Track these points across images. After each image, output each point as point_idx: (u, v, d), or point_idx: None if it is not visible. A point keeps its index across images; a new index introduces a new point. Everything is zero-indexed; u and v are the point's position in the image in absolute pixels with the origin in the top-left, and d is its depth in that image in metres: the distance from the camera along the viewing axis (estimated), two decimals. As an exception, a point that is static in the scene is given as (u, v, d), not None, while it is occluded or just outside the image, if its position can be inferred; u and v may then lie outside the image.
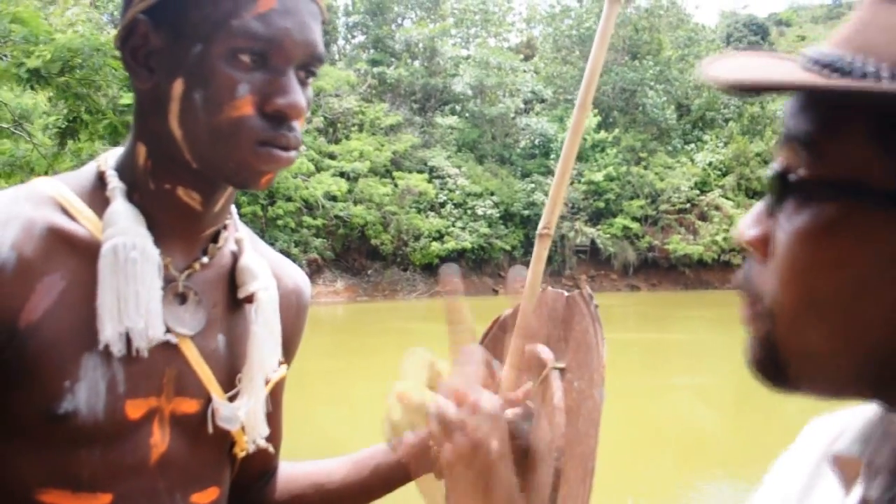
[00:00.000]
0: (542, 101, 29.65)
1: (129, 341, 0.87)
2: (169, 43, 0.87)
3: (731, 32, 39.74)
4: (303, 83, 0.90)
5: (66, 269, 0.87)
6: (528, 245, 25.84)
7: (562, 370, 1.10)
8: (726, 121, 30.08)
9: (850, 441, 0.55)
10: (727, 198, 27.93)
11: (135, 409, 0.89)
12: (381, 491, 1.14)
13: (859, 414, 0.56)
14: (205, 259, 0.96)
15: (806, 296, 0.46)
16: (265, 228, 22.34)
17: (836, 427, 0.59)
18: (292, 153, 0.89)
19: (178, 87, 0.86)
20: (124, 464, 0.89)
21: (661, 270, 27.32)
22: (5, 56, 5.71)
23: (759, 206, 0.50)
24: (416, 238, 24.42)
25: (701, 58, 31.66)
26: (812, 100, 0.47)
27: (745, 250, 0.51)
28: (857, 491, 0.53)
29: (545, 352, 1.14)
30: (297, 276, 1.12)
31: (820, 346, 0.46)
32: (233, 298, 0.99)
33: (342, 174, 24.27)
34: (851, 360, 0.46)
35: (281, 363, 1.05)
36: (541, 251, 1.17)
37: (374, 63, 29.46)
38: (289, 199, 22.56)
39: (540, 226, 1.18)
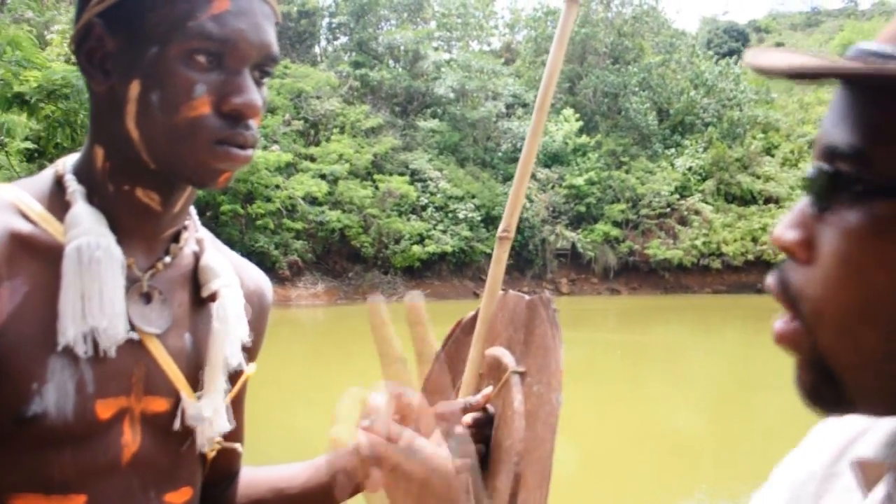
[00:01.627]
0: (524, 105, 29.72)
1: (95, 342, 0.87)
2: (124, 45, 0.88)
3: (712, 39, 40.09)
4: (258, 83, 0.91)
5: (28, 273, 0.87)
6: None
7: (522, 374, 1.09)
8: (706, 125, 30.30)
9: (875, 445, 0.54)
10: (707, 202, 28.14)
11: (105, 409, 0.90)
12: (340, 496, 1.15)
13: (883, 419, 0.55)
14: (167, 259, 0.97)
15: (860, 297, 0.44)
16: (245, 230, 22.21)
17: (851, 429, 0.58)
18: (249, 151, 0.90)
19: (134, 88, 0.87)
20: (96, 464, 0.89)
21: (641, 274, 27.47)
22: None
23: (797, 208, 0.48)
24: (397, 241, 24.40)
25: (681, 63, 31.97)
26: (861, 96, 0.45)
27: (785, 255, 0.49)
28: (879, 493, 0.52)
29: (506, 356, 1.13)
30: (258, 277, 1.13)
31: (877, 348, 0.44)
32: (197, 297, 1.00)
33: (322, 176, 24.19)
34: None
35: (247, 362, 1.05)
36: (500, 254, 1.18)
37: (356, 65, 29.41)
38: (268, 200, 22.44)
39: (500, 229, 1.19)
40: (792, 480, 0.63)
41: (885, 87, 0.43)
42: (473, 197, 26.05)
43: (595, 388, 11.32)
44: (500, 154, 28.71)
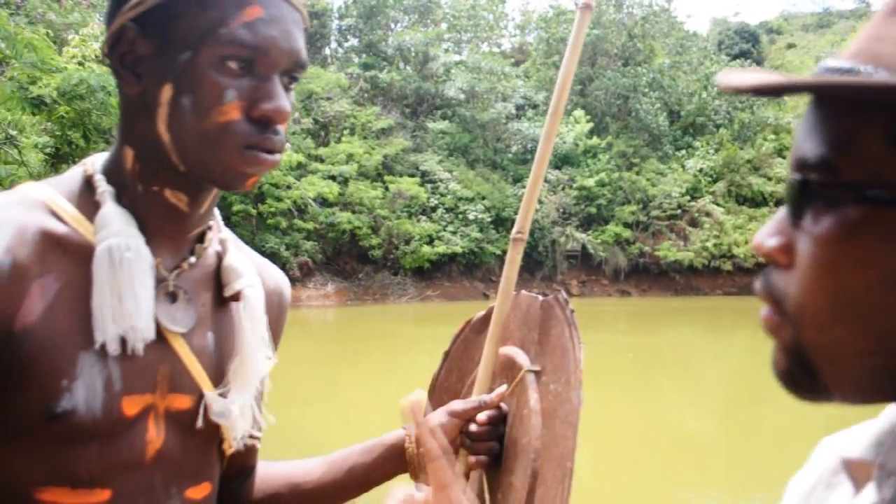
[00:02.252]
0: (534, 106, 29.71)
1: (123, 340, 0.89)
2: (157, 50, 0.89)
3: (723, 40, 39.96)
4: (286, 88, 0.93)
5: (59, 271, 0.89)
6: (519, 250, 25.91)
7: (537, 373, 1.11)
8: (717, 127, 30.20)
9: (863, 446, 0.56)
10: (717, 204, 28.04)
11: (131, 406, 0.91)
12: (356, 491, 1.16)
13: (871, 423, 0.57)
14: (192, 259, 0.99)
15: (834, 296, 0.47)
16: (256, 230, 22.28)
17: (847, 440, 0.60)
18: (277, 156, 0.92)
19: (166, 92, 0.89)
20: (121, 460, 0.91)
21: (651, 276, 27.40)
22: (11, 76, 5.86)
23: (777, 216, 0.52)
24: (407, 242, 24.42)
25: (692, 65, 31.86)
26: (826, 109, 0.48)
27: (766, 260, 0.52)
28: (868, 493, 0.53)
29: (519, 355, 1.14)
30: (278, 277, 1.15)
31: (851, 345, 0.47)
32: (219, 297, 1.02)
33: (332, 177, 24.25)
34: (884, 358, 0.47)
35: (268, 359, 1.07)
36: (514, 255, 1.21)
37: (366, 67, 29.47)
38: (279, 200, 22.50)
39: (514, 231, 1.21)
40: (799, 493, 0.65)
41: (846, 100, 0.47)
42: (483, 198, 26.05)
43: (605, 389, 11.30)
44: (510, 155, 28.71)
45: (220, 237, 1.04)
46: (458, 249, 24.45)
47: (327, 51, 32.53)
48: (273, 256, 21.83)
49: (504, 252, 24.29)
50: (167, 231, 0.97)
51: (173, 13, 0.88)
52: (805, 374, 0.50)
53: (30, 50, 5.60)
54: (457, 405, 1.14)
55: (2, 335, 0.85)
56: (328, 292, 23.46)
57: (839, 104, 0.47)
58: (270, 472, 1.19)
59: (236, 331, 1.01)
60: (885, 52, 0.46)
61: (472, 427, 1.12)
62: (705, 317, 21.68)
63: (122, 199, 0.94)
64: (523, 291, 1.22)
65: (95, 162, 0.98)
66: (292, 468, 1.19)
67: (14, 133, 6.95)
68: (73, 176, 0.96)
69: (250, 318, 1.02)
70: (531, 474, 1.03)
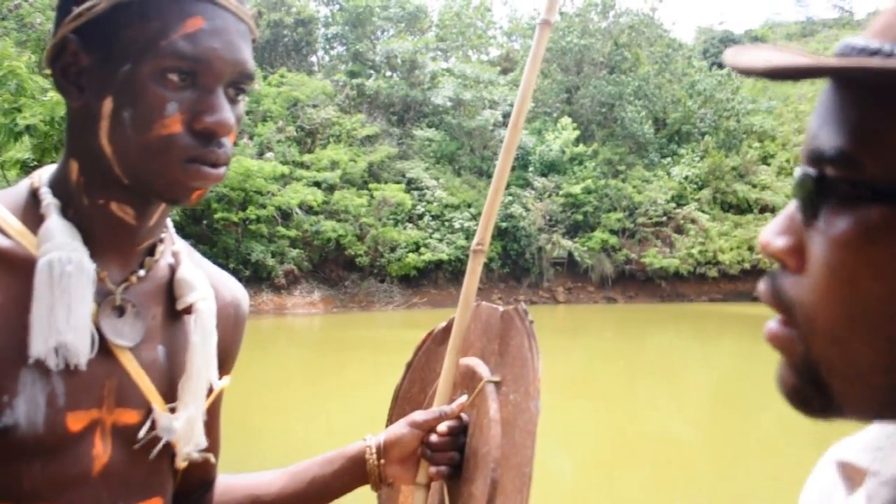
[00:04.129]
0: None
1: (60, 355, 0.87)
2: (98, 62, 0.88)
3: (707, 48, 40.23)
4: (233, 101, 0.92)
5: (1, 286, 0.87)
6: (505, 258, 25.91)
7: (497, 383, 1.11)
8: (702, 135, 30.37)
9: (859, 450, 0.54)
10: (703, 211, 28.19)
11: (76, 422, 0.90)
12: (317, 503, 1.16)
13: (871, 427, 0.55)
14: (141, 272, 0.98)
15: (852, 306, 0.42)
16: (241, 238, 22.18)
17: (846, 444, 0.59)
18: (221, 169, 0.91)
19: (107, 105, 0.88)
20: (66, 476, 0.90)
21: (637, 283, 27.49)
22: None
23: (785, 213, 0.47)
24: (393, 249, 24.39)
25: (677, 73, 32.00)
26: (849, 94, 0.43)
27: (772, 261, 0.48)
28: (859, 497, 0.52)
29: (480, 366, 1.15)
30: (235, 288, 1.13)
31: (868, 361, 0.43)
32: (172, 310, 1.00)
33: (317, 184, 24.20)
34: None
35: (221, 376, 1.05)
36: (475, 266, 1.21)
37: (352, 75, 29.47)
38: (263, 207, 22.42)
39: (473, 242, 1.22)
40: (808, 499, 0.63)
41: (872, 85, 0.41)
42: (469, 206, 26.07)
43: (591, 396, 11.31)
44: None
45: (173, 249, 1.03)
46: (445, 257, 24.44)
47: (313, 59, 32.51)
48: (258, 265, 21.76)
49: (490, 259, 24.04)
50: (115, 244, 0.95)
51: (115, 25, 0.87)
52: (816, 392, 0.46)
53: (12, 77, 5.62)
54: (417, 416, 1.15)
55: None
56: (314, 300, 23.38)
57: (864, 89, 0.42)
58: (231, 485, 1.18)
59: (188, 345, 0.99)
60: None
61: (433, 437, 1.12)
62: (691, 323, 21.77)
63: (67, 211, 0.93)
64: (484, 302, 1.22)
65: (43, 175, 0.96)
66: (253, 480, 1.18)
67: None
68: (19, 189, 0.95)
69: (201, 332, 0.99)
70: (491, 483, 1.04)
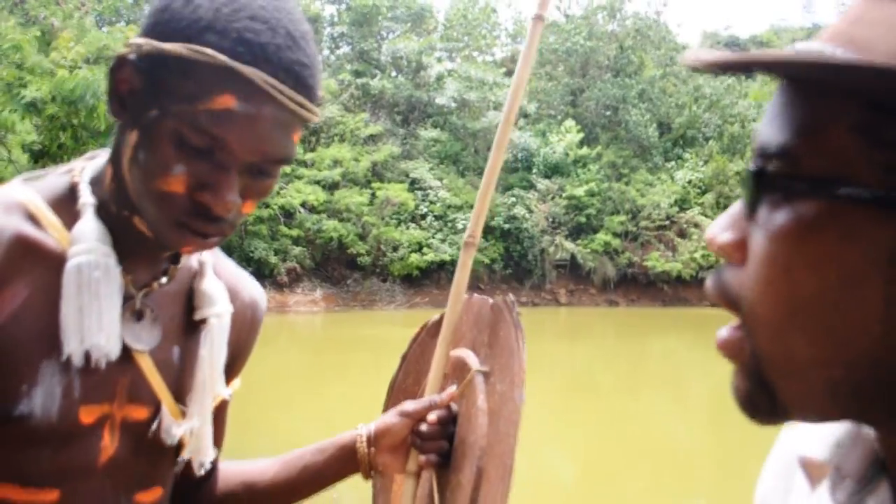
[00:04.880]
0: (525, 115, 29.77)
1: (88, 354, 0.90)
2: (140, 93, 0.88)
3: (713, 52, 40.13)
4: (258, 174, 0.90)
5: (31, 277, 0.89)
6: (507, 259, 25.90)
7: (485, 374, 1.14)
8: (707, 139, 30.34)
9: (820, 444, 0.55)
10: (706, 215, 28.14)
11: (88, 415, 0.93)
12: (309, 490, 1.18)
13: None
14: (163, 280, 1.00)
15: (788, 298, 0.43)
16: (244, 236, 22.20)
17: (808, 430, 0.59)
18: (212, 240, 0.91)
19: (132, 137, 0.88)
20: (73, 464, 0.93)
21: (640, 286, 27.46)
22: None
23: (732, 209, 0.48)
24: (395, 249, 24.39)
25: (682, 77, 31.98)
26: (793, 92, 0.45)
27: (719, 257, 0.49)
28: (822, 492, 0.53)
29: (470, 357, 1.17)
30: (254, 290, 1.15)
31: (807, 355, 0.44)
32: (190, 315, 1.02)
33: (319, 182, 24.20)
34: (837, 368, 0.43)
35: (232, 374, 1.09)
36: (466, 259, 1.23)
37: (357, 74, 29.47)
38: (266, 206, 22.42)
39: (465, 235, 1.25)
40: (764, 490, 0.65)
41: (810, 83, 0.43)
42: (472, 207, 26.02)
43: (593, 399, 11.30)
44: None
45: (199, 258, 1.04)
46: (447, 257, 24.43)
47: (319, 57, 32.54)
48: (261, 262, 21.77)
49: (493, 260, 24.04)
50: (140, 251, 0.96)
51: (162, 68, 0.86)
52: (762, 394, 0.46)
53: (16, 52, 5.63)
54: (408, 405, 1.17)
55: None
56: (316, 298, 23.39)
57: (807, 88, 0.43)
58: (227, 471, 1.21)
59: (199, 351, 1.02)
60: (862, 34, 0.42)
61: (423, 427, 1.14)
62: (693, 328, 21.73)
63: (101, 212, 0.94)
64: (476, 294, 1.25)
65: (85, 169, 0.97)
66: (247, 467, 1.21)
67: (2, 133, 6.95)
68: (60, 181, 0.96)
69: (209, 346, 1.02)
70: (476, 472, 1.06)
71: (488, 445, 1.06)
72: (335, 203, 24.10)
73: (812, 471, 0.53)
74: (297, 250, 23.16)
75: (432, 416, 1.15)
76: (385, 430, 1.16)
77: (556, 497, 6.91)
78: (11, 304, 0.88)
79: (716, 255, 0.48)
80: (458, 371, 1.19)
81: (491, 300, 1.18)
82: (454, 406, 1.17)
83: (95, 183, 0.96)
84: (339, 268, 24.51)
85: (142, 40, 0.87)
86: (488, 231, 25.66)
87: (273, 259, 22.42)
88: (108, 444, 0.96)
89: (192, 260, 1.04)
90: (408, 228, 25.08)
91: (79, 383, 0.91)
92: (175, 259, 1.02)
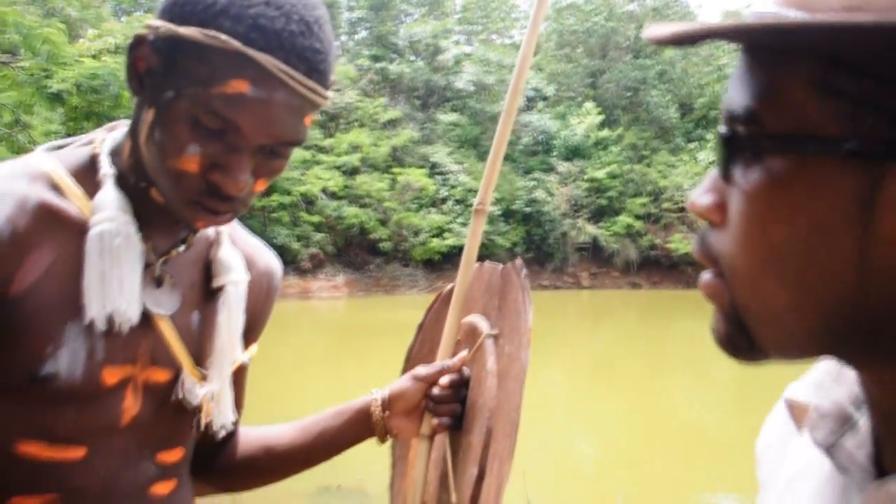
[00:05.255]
0: (545, 98, 29.63)
1: (111, 318, 0.93)
2: (157, 73, 0.91)
3: (735, 31, 39.70)
4: (271, 154, 0.93)
5: (54, 243, 0.93)
6: (528, 242, 25.85)
7: (495, 337, 1.16)
8: (729, 119, 30.06)
9: (804, 386, 0.58)
10: (729, 196, 27.95)
11: (111, 376, 0.97)
12: (326, 454, 1.22)
13: (817, 365, 0.58)
14: (182, 248, 1.03)
15: (762, 250, 0.46)
16: (267, 222, 22.33)
17: (795, 383, 0.62)
18: (224, 216, 0.95)
19: (149, 115, 0.92)
20: (98, 423, 0.97)
21: (662, 269, 27.32)
22: (23, 67, 5.99)
23: (710, 173, 0.51)
24: (416, 234, 24.43)
25: (703, 57, 31.67)
26: (752, 57, 0.47)
27: (702, 220, 0.51)
28: (806, 434, 0.55)
29: (481, 321, 1.20)
30: (269, 260, 1.19)
31: (781, 301, 0.46)
32: (208, 283, 1.06)
33: (339, 168, 24.25)
34: (813, 313, 0.46)
35: (250, 339, 1.14)
36: (476, 227, 1.26)
37: (375, 59, 29.44)
38: (287, 193, 22.52)
39: (475, 202, 1.27)
40: (766, 441, 0.69)
41: (768, 46, 0.45)
42: (494, 190, 26.02)
43: (616, 382, 11.30)
44: (520, 147, 28.67)
45: (216, 228, 1.07)
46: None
47: (336, 43, 32.50)
48: (283, 248, 21.90)
49: (514, 244, 24.02)
50: (158, 220, 1.00)
51: (178, 51, 0.88)
52: (741, 336, 0.49)
53: (44, 44, 5.70)
54: (420, 370, 1.19)
55: None
56: (338, 283, 23.51)
57: (765, 51, 0.45)
58: (247, 436, 1.25)
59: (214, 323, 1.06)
60: None
61: (436, 391, 1.17)
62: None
63: (121, 182, 0.97)
64: (487, 262, 1.27)
65: (105, 141, 1.01)
66: (267, 432, 1.25)
67: (25, 119, 7.03)
68: (80, 152, 1.00)
69: (227, 313, 1.05)
70: (486, 432, 1.08)
71: (497, 406, 1.08)
72: (356, 189, 24.16)
73: (797, 412, 0.56)
74: (318, 236, 23.27)
75: (444, 380, 1.17)
76: (399, 395, 1.19)
77: (580, 479, 6.93)
78: (37, 269, 0.91)
79: (699, 219, 0.51)
80: (470, 336, 1.21)
81: (501, 266, 1.20)
82: (466, 370, 1.19)
83: (115, 154, 0.99)
84: (361, 253, 24.60)
85: (159, 22, 0.89)
86: (509, 215, 25.64)
87: (295, 245, 22.55)
88: (131, 404, 1.00)
89: (209, 230, 1.07)
90: (428, 213, 25.09)
91: (102, 346, 0.95)
92: (193, 228, 1.04)
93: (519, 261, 1.17)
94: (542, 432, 8.47)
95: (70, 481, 0.97)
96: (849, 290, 0.44)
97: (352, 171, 24.60)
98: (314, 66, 0.89)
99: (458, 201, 25.85)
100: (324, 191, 23.51)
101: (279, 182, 22.38)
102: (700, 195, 0.51)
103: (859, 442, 0.51)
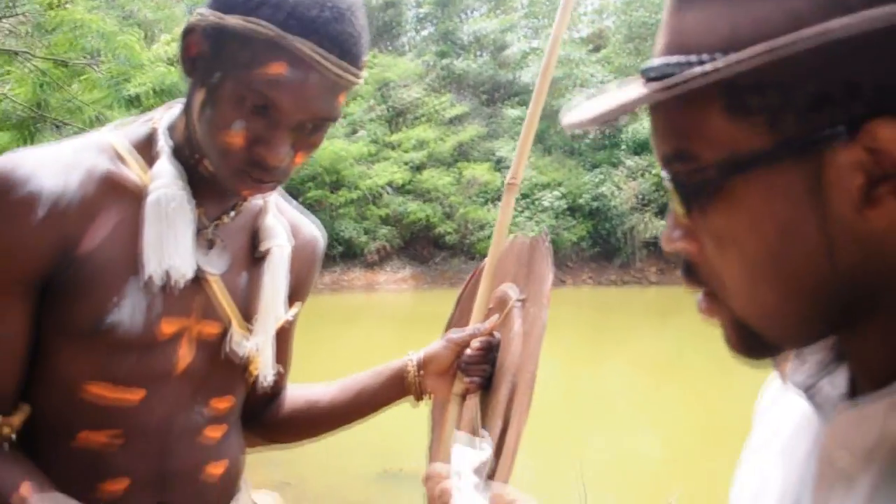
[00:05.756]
0: (612, 91, 29.17)
1: (167, 275, 1.05)
2: (207, 57, 1.02)
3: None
4: (310, 129, 1.03)
5: (117, 208, 1.05)
6: (595, 237, 25.60)
7: (522, 301, 1.24)
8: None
9: None
10: (803, 191, 27.12)
11: (168, 327, 1.08)
12: (364, 412, 1.32)
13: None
14: (232, 214, 1.15)
15: (742, 264, 0.50)
16: (334, 216, 22.65)
17: None
18: (269, 185, 1.06)
19: (200, 95, 1.03)
20: (155, 369, 1.09)
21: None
22: (97, 69, 6.28)
23: (670, 215, 0.56)
24: (481, 228, 24.44)
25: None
26: (664, 109, 0.52)
27: (679, 256, 0.57)
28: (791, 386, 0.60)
29: (512, 289, 1.28)
30: (313, 230, 1.30)
31: (776, 301, 0.51)
32: (255, 248, 1.17)
33: (405, 164, 24.40)
34: (803, 303, 0.50)
35: (294, 302, 1.24)
36: (508, 200, 1.36)
37: (441, 55, 29.51)
38: (355, 188, 22.78)
39: (507, 177, 1.35)
40: (764, 404, 0.76)
41: (674, 97, 0.48)
42: (559, 185, 25.85)
43: (682, 379, 11.13)
44: (586, 141, 28.37)
45: (263, 198, 1.19)
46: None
47: (403, 39, 32.71)
48: (351, 242, 22.20)
49: (580, 238, 23.69)
50: (210, 189, 1.11)
51: (225, 36, 0.98)
52: (752, 339, 0.54)
53: (120, 48, 5.96)
54: (453, 334, 1.29)
55: (69, 255, 1.01)
56: (404, 277, 23.71)
57: (674, 101, 0.49)
58: (293, 393, 1.37)
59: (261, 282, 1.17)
60: (690, 41, 0.49)
61: (467, 353, 1.25)
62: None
63: (177, 154, 1.09)
64: (520, 234, 1.36)
65: (163, 118, 1.13)
66: (311, 390, 1.37)
67: (105, 115, 7.35)
68: (141, 128, 1.13)
69: (272, 274, 1.16)
70: (511, 388, 1.16)
71: (521, 363, 1.16)
72: (421, 183, 24.29)
73: (780, 363, 0.61)
74: (384, 230, 23.50)
75: (475, 344, 1.25)
76: (432, 356, 1.28)
77: (638, 472, 6.88)
78: (102, 230, 1.03)
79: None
80: (501, 304, 1.29)
81: (530, 237, 1.29)
82: (497, 335, 1.27)
83: (171, 129, 1.11)
84: (427, 247, 24.75)
85: (207, 11, 1.00)
86: (575, 210, 25.43)
87: (362, 239, 22.81)
88: (185, 353, 1.11)
89: (257, 199, 1.18)
90: (494, 207, 25.05)
91: (160, 300, 1.06)
92: (243, 198, 1.16)
93: (545, 230, 1.28)
94: (604, 425, 8.43)
95: (131, 420, 1.08)
96: (826, 271, 0.48)
97: (417, 167, 24.73)
98: (346, 50, 0.98)
99: (523, 195, 25.73)
100: (390, 185, 23.72)
101: (346, 178, 22.69)
102: (669, 236, 0.56)
103: (836, 384, 0.57)
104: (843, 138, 0.45)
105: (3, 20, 6.41)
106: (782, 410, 0.67)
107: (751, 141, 0.48)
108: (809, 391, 0.58)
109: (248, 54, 0.96)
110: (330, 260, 21.61)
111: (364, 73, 1.05)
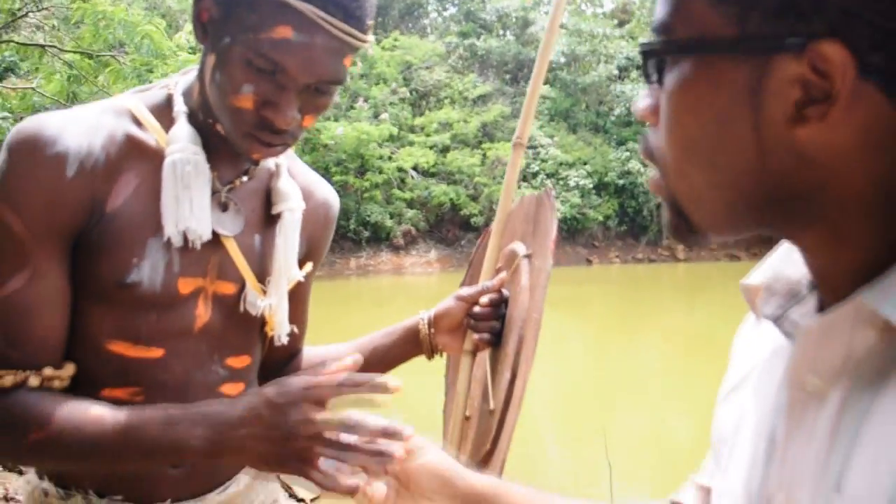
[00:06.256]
0: (638, 67, 28.86)
1: (185, 235, 1.08)
2: (217, 21, 1.04)
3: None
4: (318, 92, 1.05)
5: (138, 169, 1.08)
6: (622, 215, 25.43)
7: (529, 257, 1.27)
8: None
9: (758, 271, 0.67)
10: (834, 163, 26.67)
11: (185, 286, 1.12)
12: (379, 369, 1.33)
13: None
14: (245, 178, 1.18)
15: (681, 141, 0.54)
16: (361, 200, 22.70)
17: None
18: (278, 148, 1.08)
19: (211, 60, 1.05)
20: (174, 327, 1.12)
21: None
22: (122, 60, 6.37)
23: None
24: (509, 209, 24.34)
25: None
26: None
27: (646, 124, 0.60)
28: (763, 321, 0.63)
29: (519, 246, 1.31)
30: (327, 192, 1.32)
31: (703, 184, 0.54)
32: (268, 210, 1.20)
33: (430, 147, 24.35)
34: (728, 191, 0.54)
35: (307, 262, 1.28)
36: (515, 159, 1.41)
37: (464, 35, 29.34)
38: (380, 172, 22.80)
39: (514, 137, 1.36)
40: (738, 344, 0.78)
41: None
42: (585, 163, 25.65)
43: (713, 356, 11.06)
44: (612, 118, 28.11)
45: (275, 161, 1.21)
46: (560, 216, 24.16)
47: (426, 21, 32.56)
48: (377, 226, 22.26)
49: (607, 217, 23.52)
50: (223, 152, 1.14)
51: (233, 1, 1.01)
52: (681, 220, 0.58)
53: (144, 39, 6.03)
54: (463, 291, 1.32)
55: (97, 213, 1.04)
56: (431, 259, 23.75)
57: None
58: (309, 353, 1.41)
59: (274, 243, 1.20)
60: None
61: (476, 309, 1.28)
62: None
63: (192, 119, 1.12)
64: (529, 193, 1.38)
65: (179, 83, 1.16)
66: (327, 350, 1.41)
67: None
68: (159, 93, 1.16)
69: (284, 236, 1.19)
70: (518, 340, 1.18)
71: (527, 315, 1.19)
72: (447, 165, 24.24)
73: (750, 296, 0.64)
74: (411, 213, 23.52)
75: (484, 300, 1.28)
76: (443, 313, 1.32)
77: (665, 450, 6.86)
78: (125, 191, 1.06)
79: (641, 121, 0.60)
80: (510, 261, 1.31)
81: (537, 194, 1.32)
82: (506, 291, 1.29)
83: (187, 94, 1.14)
84: (453, 229, 24.75)
85: None
86: (602, 187, 25.25)
87: (389, 222, 22.86)
88: (203, 312, 1.14)
89: (269, 162, 1.21)
90: (519, 188, 24.93)
91: (178, 260, 1.09)
92: (255, 161, 1.18)
93: (549, 186, 1.32)
94: (632, 401, 8.41)
95: (151, 377, 1.12)
96: (753, 167, 0.52)
97: (443, 149, 24.68)
98: (351, 13, 1.00)
99: (549, 175, 25.61)
100: (415, 168, 23.70)
101: (372, 162, 22.71)
102: (640, 101, 0.59)
103: (805, 312, 0.59)
104: (795, 49, 0.47)
105: (30, 15, 6.49)
106: (757, 345, 0.69)
107: (719, 28, 0.51)
108: (779, 321, 0.60)
109: (255, 18, 0.98)
110: (357, 244, 21.69)
111: (370, 37, 1.07)
